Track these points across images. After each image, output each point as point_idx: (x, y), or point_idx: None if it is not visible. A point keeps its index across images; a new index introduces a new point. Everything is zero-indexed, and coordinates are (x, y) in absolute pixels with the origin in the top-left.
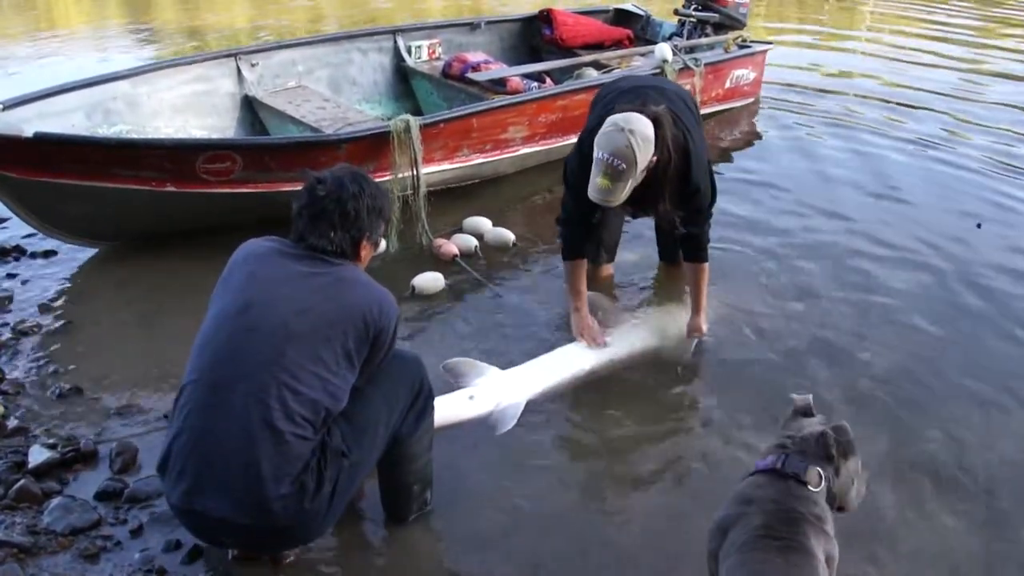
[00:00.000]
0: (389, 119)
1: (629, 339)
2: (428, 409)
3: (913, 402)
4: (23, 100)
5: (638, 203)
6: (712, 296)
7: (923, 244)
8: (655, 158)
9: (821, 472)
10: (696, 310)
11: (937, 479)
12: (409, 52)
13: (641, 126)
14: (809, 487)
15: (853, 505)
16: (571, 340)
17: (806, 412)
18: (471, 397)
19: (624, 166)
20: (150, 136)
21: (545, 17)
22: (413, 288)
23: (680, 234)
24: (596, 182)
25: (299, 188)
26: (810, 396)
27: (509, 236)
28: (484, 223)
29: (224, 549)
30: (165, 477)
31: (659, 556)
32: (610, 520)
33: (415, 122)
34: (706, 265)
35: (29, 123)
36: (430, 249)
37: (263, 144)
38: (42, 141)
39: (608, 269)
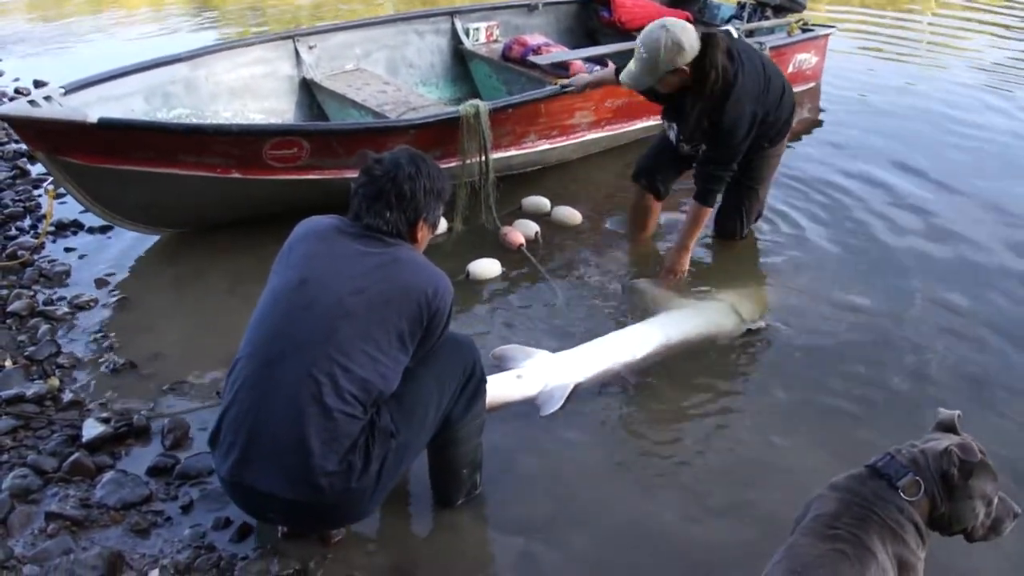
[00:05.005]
0: (449, 103)
1: (684, 324)
2: (480, 393)
3: (988, 404)
4: (83, 84)
5: (676, 110)
6: (788, 286)
7: (996, 239)
8: (687, 68)
9: (922, 484)
10: (678, 247)
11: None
12: (467, 34)
13: (678, 30)
14: (902, 494)
15: (979, 534)
16: (624, 326)
17: (948, 427)
18: (519, 376)
19: (646, 55)
20: (209, 120)
21: None
22: (468, 273)
23: (695, 169)
24: (627, 68)
25: None
26: (956, 413)
27: (575, 216)
28: (543, 203)
29: (273, 525)
30: (215, 450)
31: (711, 547)
32: (661, 507)
33: (484, 107)
34: (706, 209)
35: (90, 107)
36: (495, 236)
37: (331, 130)
38: (107, 127)
39: (652, 202)
